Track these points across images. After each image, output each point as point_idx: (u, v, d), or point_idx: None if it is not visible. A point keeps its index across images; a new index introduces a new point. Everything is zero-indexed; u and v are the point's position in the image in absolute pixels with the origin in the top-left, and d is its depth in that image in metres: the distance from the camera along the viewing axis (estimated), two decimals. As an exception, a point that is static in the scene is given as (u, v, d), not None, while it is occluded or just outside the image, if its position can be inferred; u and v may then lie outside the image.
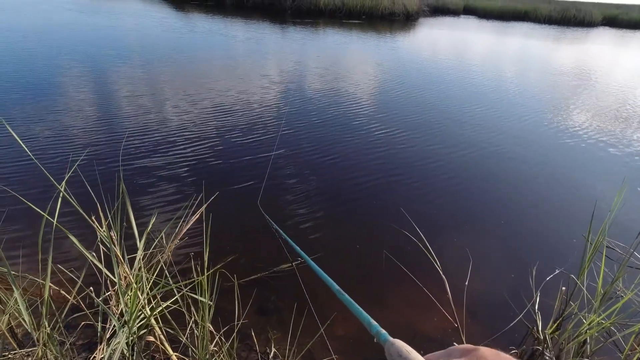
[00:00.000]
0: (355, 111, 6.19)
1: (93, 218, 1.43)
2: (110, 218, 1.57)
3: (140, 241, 1.53)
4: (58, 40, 10.09)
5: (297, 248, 1.35)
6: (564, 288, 1.85)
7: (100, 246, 1.54)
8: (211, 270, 1.63)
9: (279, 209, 3.39)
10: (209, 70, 8.12)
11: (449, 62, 11.53)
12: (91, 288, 1.59)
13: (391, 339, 0.65)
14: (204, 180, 3.69)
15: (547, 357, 1.54)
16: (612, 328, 1.62)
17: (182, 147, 4.38)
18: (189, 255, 2.68)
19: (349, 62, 10.47)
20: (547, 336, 1.60)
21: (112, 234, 1.47)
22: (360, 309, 0.78)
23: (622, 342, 1.67)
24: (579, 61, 13.75)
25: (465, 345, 0.52)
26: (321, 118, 5.70)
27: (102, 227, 1.45)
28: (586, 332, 1.42)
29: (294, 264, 2.71)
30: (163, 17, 16.26)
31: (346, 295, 0.85)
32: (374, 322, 0.72)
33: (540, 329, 1.99)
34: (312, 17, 20.77)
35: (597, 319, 1.42)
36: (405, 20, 24.19)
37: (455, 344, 1.71)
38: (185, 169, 3.94)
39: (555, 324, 1.59)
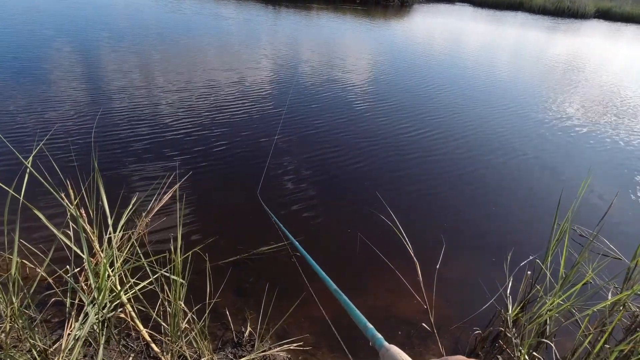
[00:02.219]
0: (342, 97, 6.16)
1: (63, 195, 1.42)
2: (86, 195, 1.57)
3: (111, 219, 1.53)
4: (44, 15, 9.77)
5: (297, 244, 1.35)
6: (529, 272, 1.91)
7: (71, 224, 1.53)
8: (188, 254, 1.64)
9: (269, 193, 3.40)
10: (202, 52, 7.96)
11: (444, 51, 11.48)
12: (66, 266, 1.59)
13: (386, 344, 0.65)
14: (178, 161, 3.67)
15: (509, 337, 1.60)
16: (573, 310, 1.68)
17: (162, 127, 4.33)
18: (168, 235, 2.69)
19: (347, 49, 10.36)
20: (508, 318, 1.66)
21: (82, 212, 1.46)
22: (357, 310, 0.77)
23: (580, 323, 1.73)
24: (571, 53, 13.81)
25: (459, 357, 0.53)
26: (319, 106, 5.67)
27: (72, 205, 1.45)
28: (546, 313, 1.48)
29: (288, 246, 2.74)
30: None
31: (343, 295, 0.84)
32: (370, 326, 0.72)
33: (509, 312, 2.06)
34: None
35: (557, 301, 1.47)
36: (399, 6, 23.88)
37: (424, 324, 1.75)
38: (164, 148, 3.90)
39: (519, 307, 1.65)
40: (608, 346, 1.45)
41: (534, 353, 1.60)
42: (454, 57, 10.73)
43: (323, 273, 0.99)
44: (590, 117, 6.54)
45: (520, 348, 1.35)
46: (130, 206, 1.77)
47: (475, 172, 4.24)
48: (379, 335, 0.69)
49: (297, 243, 1.37)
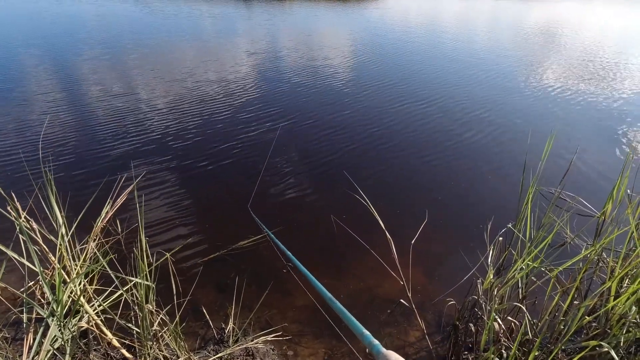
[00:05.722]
0: (326, 85, 6.10)
1: (9, 208, 1.37)
2: (64, 207, 1.51)
3: (63, 227, 1.48)
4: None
5: (290, 254, 1.33)
6: (500, 239, 1.90)
7: (20, 237, 1.48)
8: (153, 255, 1.60)
9: (243, 185, 3.36)
10: (185, 55, 7.80)
11: (421, 29, 11.41)
12: (29, 281, 1.54)
13: (384, 350, 0.64)
14: (131, 161, 3.61)
15: (482, 303, 1.60)
16: (544, 270, 1.68)
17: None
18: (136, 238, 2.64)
19: (325, 40, 10.24)
20: (479, 285, 1.65)
21: (33, 223, 1.41)
22: (353, 318, 0.76)
23: (555, 283, 1.73)
24: (548, 19, 13.80)
25: None
26: (295, 85, 5.61)
27: (20, 216, 1.40)
28: (514, 276, 1.47)
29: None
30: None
31: (338, 303, 0.83)
32: (367, 332, 0.71)
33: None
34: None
35: (526, 261, 1.46)
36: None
37: (402, 301, 1.74)
38: (116, 149, 3.86)
39: (492, 273, 1.64)
40: (577, 302, 1.45)
41: (509, 317, 1.61)
42: (431, 34, 10.66)
43: (318, 283, 0.99)
44: (567, 80, 6.56)
45: (493, 313, 1.34)
46: (84, 211, 1.72)
47: (449, 144, 4.22)
48: (376, 342, 0.69)
49: (290, 254, 1.36)
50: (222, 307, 2.27)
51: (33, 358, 1.31)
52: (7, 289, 1.89)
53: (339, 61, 7.52)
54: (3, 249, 1.29)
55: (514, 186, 3.38)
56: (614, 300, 1.27)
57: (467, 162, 3.89)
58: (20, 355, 1.54)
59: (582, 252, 1.48)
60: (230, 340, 2.00)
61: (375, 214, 1.97)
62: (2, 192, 1.31)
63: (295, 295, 2.37)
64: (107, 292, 1.63)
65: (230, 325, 2.10)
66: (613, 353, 1.14)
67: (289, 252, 1.39)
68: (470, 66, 7.34)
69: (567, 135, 4.45)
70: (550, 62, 7.77)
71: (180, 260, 2.52)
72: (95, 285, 1.75)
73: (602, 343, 1.17)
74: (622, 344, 1.23)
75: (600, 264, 1.85)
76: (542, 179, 2.28)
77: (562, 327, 1.37)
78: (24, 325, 1.38)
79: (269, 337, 1.93)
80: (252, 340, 1.97)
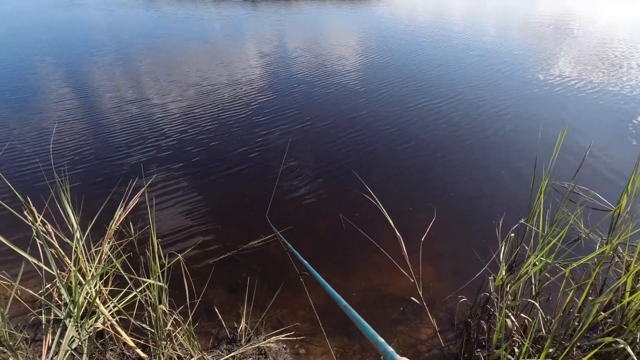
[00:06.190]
0: (340, 85, 6.10)
1: (25, 213, 1.41)
2: (76, 211, 1.56)
3: (78, 230, 1.52)
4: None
5: (307, 263, 1.35)
6: (512, 235, 1.88)
7: (38, 241, 1.52)
8: (165, 257, 1.63)
9: (252, 188, 3.39)
10: (199, 59, 7.87)
11: (429, 24, 11.31)
12: (45, 284, 1.59)
13: (398, 357, 0.66)
14: (142, 165, 3.65)
15: (494, 300, 1.58)
16: (558, 266, 1.65)
17: (122, 132, 4.31)
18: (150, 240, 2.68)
19: (335, 42, 10.20)
20: (490, 282, 1.64)
21: (49, 227, 1.45)
22: (368, 326, 0.78)
23: (570, 280, 1.70)
24: (558, 9, 13.52)
25: None
26: (307, 79, 5.63)
27: (37, 221, 1.44)
28: (527, 272, 1.45)
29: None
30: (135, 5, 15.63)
31: (353, 311, 0.84)
32: (381, 340, 0.73)
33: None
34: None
35: (539, 257, 1.44)
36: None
37: (413, 298, 1.73)
38: (131, 155, 3.92)
39: (504, 269, 1.62)
40: (591, 298, 1.42)
41: (522, 314, 1.59)
42: (442, 31, 10.55)
43: (333, 291, 1.01)
44: (579, 75, 6.43)
45: (505, 310, 1.32)
46: (98, 214, 1.76)
47: (465, 143, 4.18)
48: (390, 349, 0.70)
49: (307, 263, 1.38)
50: (234, 307, 2.29)
51: (52, 358, 1.35)
52: (26, 291, 1.95)
53: (353, 60, 7.48)
54: (21, 252, 1.34)
55: (527, 183, 3.33)
56: (630, 295, 1.24)
57: (480, 160, 3.84)
58: (40, 356, 1.59)
59: (597, 247, 1.45)
60: (243, 340, 2.02)
61: (385, 212, 1.97)
62: (20, 197, 1.35)
63: (306, 295, 2.37)
64: (122, 293, 1.67)
65: (243, 324, 2.12)
66: (629, 349, 1.11)
67: (305, 262, 1.40)
68: (483, 64, 7.24)
69: (580, 130, 4.36)
70: (563, 57, 7.62)
71: (192, 262, 2.55)
72: (110, 287, 1.79)
73: (617, 339, 1.15)
74: (638, 340, 1.21)
75: (615, 259, 1.82)
76: (554, 174, 2.24)
77: (577, 323, 1.35)
78: (43, 326, 1.43)
79: (281, 337, 1.95)
80: (264, 340, 1.99)
